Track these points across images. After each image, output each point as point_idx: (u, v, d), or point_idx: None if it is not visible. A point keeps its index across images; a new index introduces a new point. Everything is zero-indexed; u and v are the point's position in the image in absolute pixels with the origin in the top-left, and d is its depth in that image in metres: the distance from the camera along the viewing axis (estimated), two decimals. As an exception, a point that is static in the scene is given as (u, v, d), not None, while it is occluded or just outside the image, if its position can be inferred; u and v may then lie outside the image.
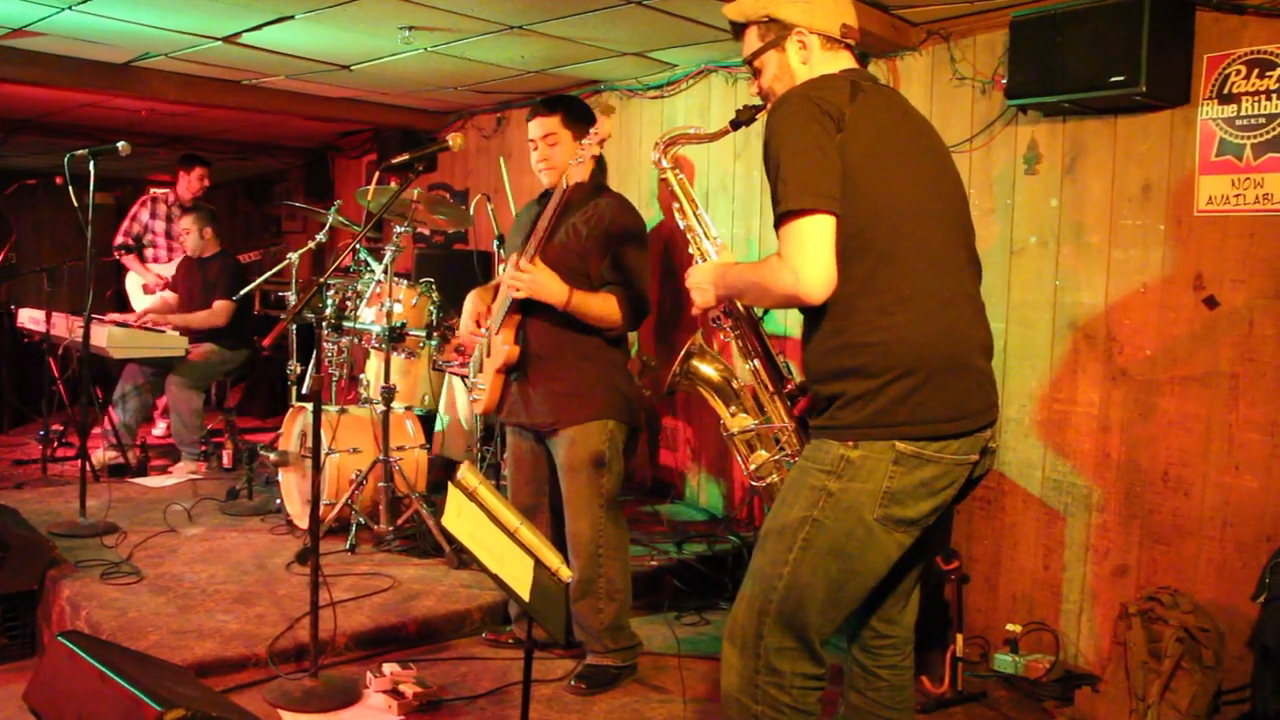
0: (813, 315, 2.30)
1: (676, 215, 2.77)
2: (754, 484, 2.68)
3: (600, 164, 3.83)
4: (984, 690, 3.76)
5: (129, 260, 7.08)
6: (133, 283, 7.22)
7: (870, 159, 2.23)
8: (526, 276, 3.34)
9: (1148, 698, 3.31)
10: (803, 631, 2.27)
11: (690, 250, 2.75)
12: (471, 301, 3.76)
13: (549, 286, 3.34)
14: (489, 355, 3.60)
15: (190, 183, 7.02)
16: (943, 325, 2.26)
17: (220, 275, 6.31)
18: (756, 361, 2.63)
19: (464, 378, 5.21)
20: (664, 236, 5.60)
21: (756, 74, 2.51)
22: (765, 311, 2.74)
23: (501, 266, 4.51)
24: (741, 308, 2.63)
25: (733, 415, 2.73)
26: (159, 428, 7.17)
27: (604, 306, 3.41)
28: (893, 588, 2.51)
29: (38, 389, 6.33)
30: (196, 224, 6.36)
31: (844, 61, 2.45)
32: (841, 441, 2.24)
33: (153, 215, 7.14)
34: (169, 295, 6.67)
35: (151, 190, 7.26)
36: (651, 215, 5.68)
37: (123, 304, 7.37)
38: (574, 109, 3.59)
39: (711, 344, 2.97)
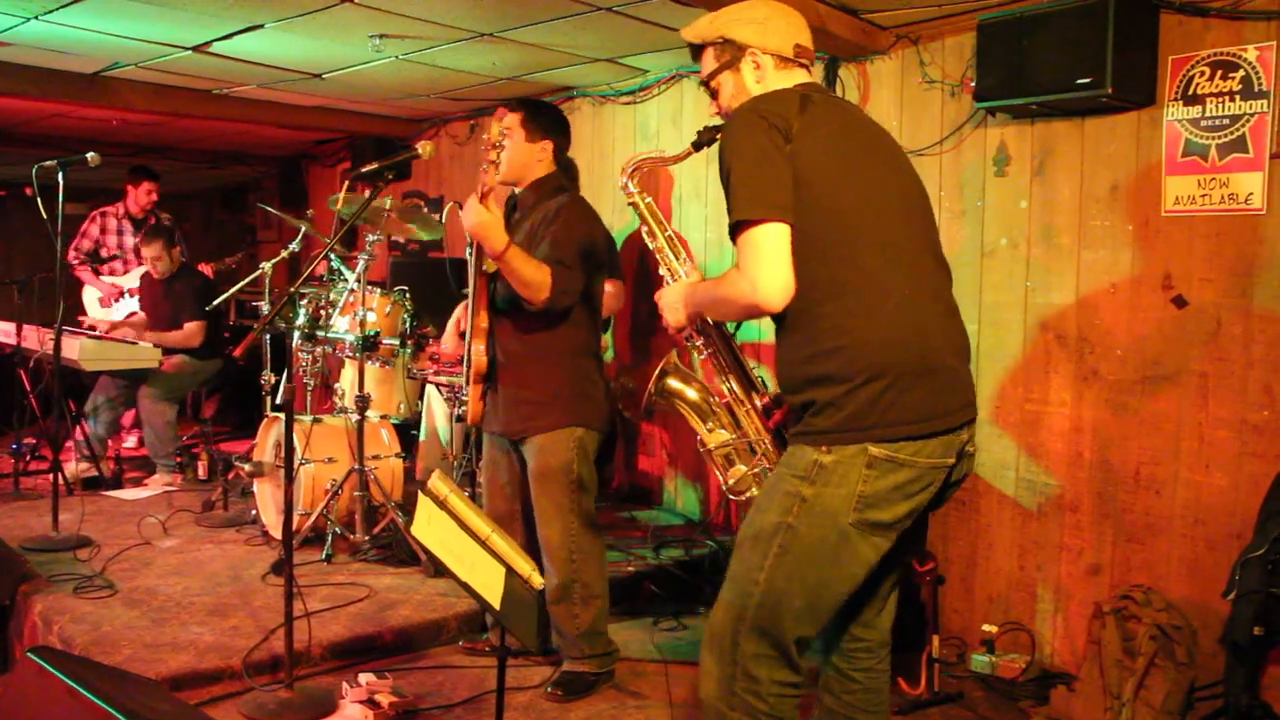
0: (781, 326, 2.32)
1: (646, 238, 2.78)
2: (733, 498, 2.68)
3: (566, 167, 3.84)
4: (961, 691, 3.77)
5: (84, 274, 7.04)
6: (89, 295, 7.19)
7: (823, 167, 2.25)
8: (477, 215, 3.29)
9: (1122, 695, 3.33)
10: (780, 638, 2.27)
11: (661, 271, 2.76)
12: (455, 315, 3.79)
13: (490, 231, 3.28)
14: (470, 365, 3.61)
15: (139, 196, 6.98)
16: (910, 326, 2.26)
17: (187, 292, 6.26)
18: (731, 377, 2.63)
19: (439, 386, 5.20)
20: (639, 244, 5.60)
21: (714, 94, 2.54)
22: (738, 325, 2.75)
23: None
24: (712, 324, 2.64)
25: (710, 431, 2.73)
26: (129, 440, 7.12)
27: (537, 272, 3.34)
28: (870, 592, 2.51)
29: (9, 402, 6.28)
30: (164, 249, 6.27)
31: (798, 78, 2.47)
32: (815, 446, 2.24)
33: (103, 230, 7.08)
34: (138, 315, 6.63)
35: (102, 208, 7.21)
36: (626, 223, 5.69)
37: (78, 313, 7.32)
38: (536, 112, 3.59)
39: (686, 361, 2.98)
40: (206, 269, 6.72)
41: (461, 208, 3.55)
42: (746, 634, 2.27)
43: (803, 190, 2.21)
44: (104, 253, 7.08)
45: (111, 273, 7.07)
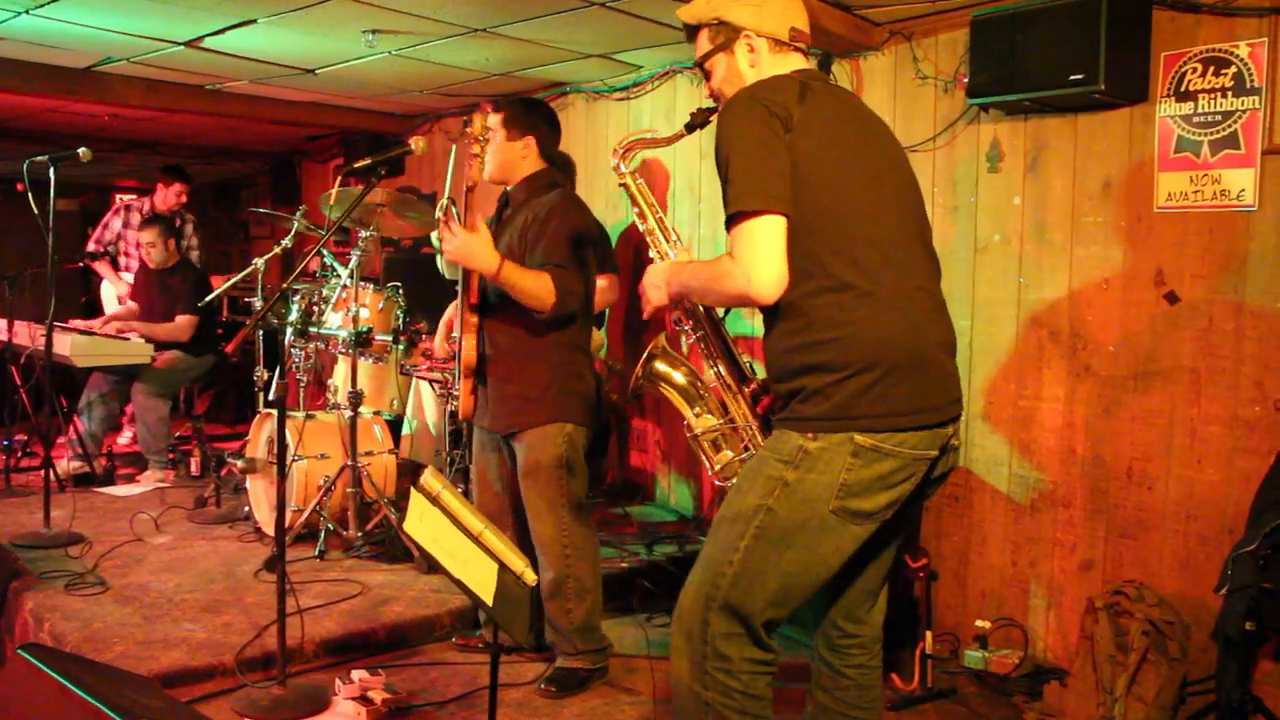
0: (772, 315, 2.31)
1: (636, 219, 2.79)
2: (719, 484, 2.68)
3: (561, 163, 3.82)
4: (954, 687, 3.78)
5: (102, 268, 7.00)
6: (108, 291, 7.15)
7: (820, 158, 2.24)
8: (456, 239, 3.31)
9: (1115, 690, 3.33)
10: (749, 619, 2.26)
11: (651, 253, 2.76)
12: (446, 316, 3.79)
13: (479, 253, 3.30)
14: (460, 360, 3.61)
15: (168, 196, 6.94)
16: (901, 320, 2.26)
17: (183, 287, 6.23)
18: (720, 363, 2.63)
19: (432, 383, 5.19)
20: (634, 240, 5.60)
21: (707, 76, 2.53)
22: (727, 312, 2.75)
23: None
24: (702, 309, 2.64)
25: (697, 416, 2.72)
26: (125, 436, 7.10)
27: (536, 283, 3.35)
28: (861, 587, 2.51)
29: (0, 398, 6.26)
30: (161, 237, 6.24)
31: (794, 63, 2.45)
32: (801, 433, 2.24)
33: (125, 224, 7.04)
34: (131, 304, 6.60)
35: (124, 199, 7.16)
36: (620, 218, 5.69)
37: (95, 312, 7.28)
38: (515, 110, 3.58)
39: (677, 346, 2.97)
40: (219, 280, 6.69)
41: (455, 204, 3.55)
42: (716, 612, 2.27)
43: (800, 181, 2.20)
44: (122, 246, 7.04)
45: (128, 269, 7.03)
